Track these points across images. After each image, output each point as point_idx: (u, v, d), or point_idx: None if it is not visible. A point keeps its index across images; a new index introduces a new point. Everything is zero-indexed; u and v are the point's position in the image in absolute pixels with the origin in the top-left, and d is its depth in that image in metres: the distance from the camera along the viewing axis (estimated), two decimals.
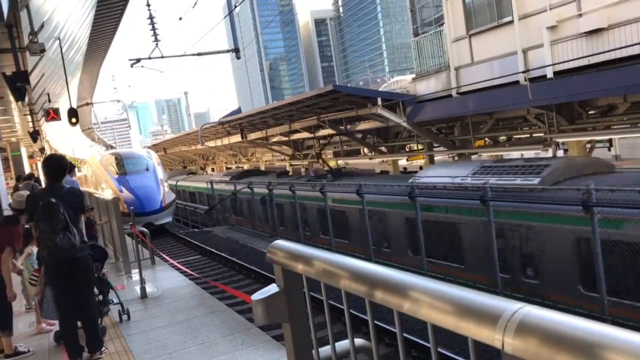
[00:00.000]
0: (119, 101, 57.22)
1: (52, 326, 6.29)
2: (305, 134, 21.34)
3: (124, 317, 6.68)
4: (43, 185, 11.69)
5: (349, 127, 17.98)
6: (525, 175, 9.45)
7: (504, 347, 0.96)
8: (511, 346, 0.94)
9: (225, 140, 28.28)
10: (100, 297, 6.04)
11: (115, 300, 6.64)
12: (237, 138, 25.57)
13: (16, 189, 16.46)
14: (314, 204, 15.45)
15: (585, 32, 9.54)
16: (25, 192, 6.28)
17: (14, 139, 26.23)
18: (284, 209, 17.71)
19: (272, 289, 2.00)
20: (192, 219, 27.60)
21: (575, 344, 0.84)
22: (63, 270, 5.01)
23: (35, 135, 19.64)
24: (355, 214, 13.41)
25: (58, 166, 5.26)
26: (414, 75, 15.38)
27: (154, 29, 25.08)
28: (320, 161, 20.96)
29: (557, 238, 8.26)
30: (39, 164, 25.72)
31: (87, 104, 37.18)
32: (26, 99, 12.53)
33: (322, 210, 14.80)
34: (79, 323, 5.30)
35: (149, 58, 22.02)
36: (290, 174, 22.74)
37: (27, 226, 5.85)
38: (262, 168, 29.77)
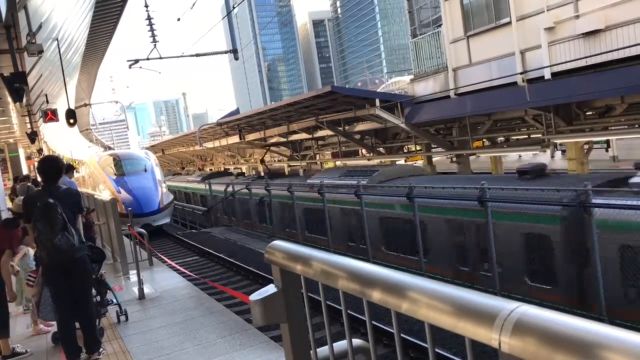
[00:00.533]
0: (117, 102, 57.14)
1: (50, 327, 6.28)
2: (304, 135, 21.36)
3: (122, 318, 6.67)
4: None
5: (347, 128, 17.99)
6: (363, 177, 13.56)
7: (501, 347, 0.96)
8: (508, 345, 0.95)
9: (224, 141, 28.28)
10: (98, 298, 6.04)
11: (114, 301, 6.63)
12: (235, 139, 25.57)
13: (13, 190, 16.47)
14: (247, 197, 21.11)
15: (582, 34, 9.57)
16: None
17: (11, 140, 26.20)
18: (232, 202, 23.35)
19: (270, 289, 2.00)
20: (189, 219, 27.75)
21: (572, 343, 0.85)
22: (61, 270, 5.00)
23: (33, 136, 19.60)
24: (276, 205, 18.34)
25: (54, 167, 5.27)
26: (412, 77, 15.41)
27: (152, 30, 25.10)
28: (262, 165, 26.31)
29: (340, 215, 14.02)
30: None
31: (85, 105, 37.14)
32: (24, 100, 12.50)
33: (250, 202, 20.53)
34: (77, 324, 5.30)
35: (147, 59, 22.03)
36: (247, 174, 28.87)
37: (22, 226, 5.87)
38: (260, 169, 29.95)
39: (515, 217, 8.54)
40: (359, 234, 13.20)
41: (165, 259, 10.75)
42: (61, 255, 4.88)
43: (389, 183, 12.70)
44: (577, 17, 9.68)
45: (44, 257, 5.03)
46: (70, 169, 11.14)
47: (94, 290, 5.79)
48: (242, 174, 28.79)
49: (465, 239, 10.12)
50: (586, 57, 9.51)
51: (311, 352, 1.93)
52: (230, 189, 22.87)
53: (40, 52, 9.61)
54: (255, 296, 2.00)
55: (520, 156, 27.74)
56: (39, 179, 8.23)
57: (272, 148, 27.02)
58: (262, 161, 26.51)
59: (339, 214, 14.14)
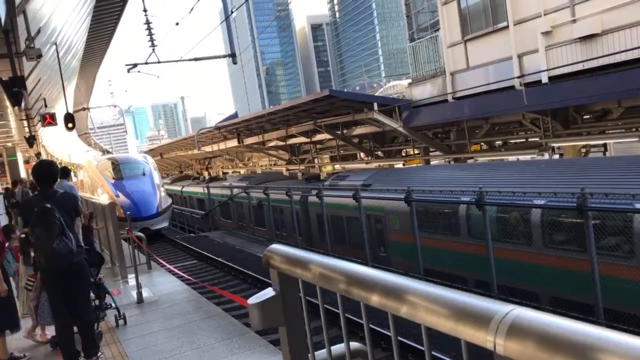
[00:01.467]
0: (115, 106, 57.02)
1: (45, 339, 6.23)
2: (302, 139, 21.38)
3: (121, 322, 6.66)
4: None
5: (345, 131, 18.02)
6: (248, 181, 21.31)
7: (496, 349, 0.97)
8: (503, 347, 0.96)
9: (222, 145, 28.29)
10: (97, 302, 6.03)
11: (112, 305, 6.62)
12: (233, 143, 25.58)
13: (12, 193, 16.44)
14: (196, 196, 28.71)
15: (579, 38, 9.61)
16: None
17: (10, 144, 26.19)
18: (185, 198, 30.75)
19: (268, 293, 2.01)
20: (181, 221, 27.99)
21: (566, 345, 0.86)
22: (59, 275, 5.00)
23: (31, 140, 19.57)
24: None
25: (50, 172, 5.26)
26: (410, 80, 15.45)
27: (150, 34, 25.05)
28: (206, 172, 33.20)
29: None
30: None
31: (84, 109, 37.12)
32: (22, 104, 12.50)
33: (194, 198, 28.60)
34: (75, 328, 5.29)
35: (146, 63, 22.01)
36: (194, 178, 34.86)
37: (22, 235, 5.83)
38: (259, 172, 30.01)
39: (288, 202, 15.83)
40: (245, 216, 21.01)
41: (164, 263, 10.74)
42: (59, 260, 4.87)
43: (262, 185, 19.21)
44: (574, 21, 9.73)
45: (42, 262, 5.02)
46: (67, 172, 11.10)
47: (92, 294, 5.79)
48: (198, 177, 34.64)
49: (279, 216, 17.43)
50: (583, 61, 9.55)
51: (309, 355, 1.94)
52: (184, 189, 30.56)
53: (39, 56, 9.62)
54: (253, 300, 2.00)
55: (518, 159, 27.76)
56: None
57: (271, 152, 27.05)
58: (207, 169, 34.46)
59: (236, 204, 21.61)
